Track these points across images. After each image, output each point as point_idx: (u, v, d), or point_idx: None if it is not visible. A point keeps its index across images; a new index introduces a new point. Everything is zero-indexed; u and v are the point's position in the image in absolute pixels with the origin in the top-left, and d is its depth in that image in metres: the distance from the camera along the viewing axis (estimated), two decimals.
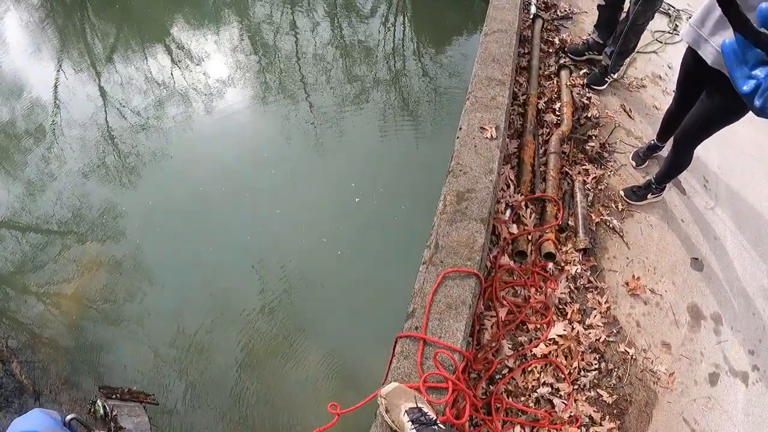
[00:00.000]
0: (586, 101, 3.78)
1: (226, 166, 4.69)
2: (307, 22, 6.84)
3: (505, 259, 2.81)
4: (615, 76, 4.03)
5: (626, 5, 3.69)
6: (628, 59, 4.08)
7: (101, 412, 2.78)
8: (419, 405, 1.78)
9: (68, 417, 1.72)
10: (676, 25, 4.74)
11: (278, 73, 5.94)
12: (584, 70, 4.09)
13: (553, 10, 4.78)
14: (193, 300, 3.83)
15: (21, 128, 5.38)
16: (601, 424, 2.36)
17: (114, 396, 2.93)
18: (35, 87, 5.89)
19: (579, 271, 2.85)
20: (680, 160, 2.97)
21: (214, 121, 5.28)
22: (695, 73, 2.70)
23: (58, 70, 6.16)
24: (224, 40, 6.49)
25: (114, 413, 2.80)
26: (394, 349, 2.10)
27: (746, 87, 0.70)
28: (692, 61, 2.69)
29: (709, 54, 2.48)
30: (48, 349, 3.63)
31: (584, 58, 4.23)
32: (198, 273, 3.96)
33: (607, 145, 3.57)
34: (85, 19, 7.22)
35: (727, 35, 2.30)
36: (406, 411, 1.75)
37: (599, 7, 3.91)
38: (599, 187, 3.30)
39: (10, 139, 5.26)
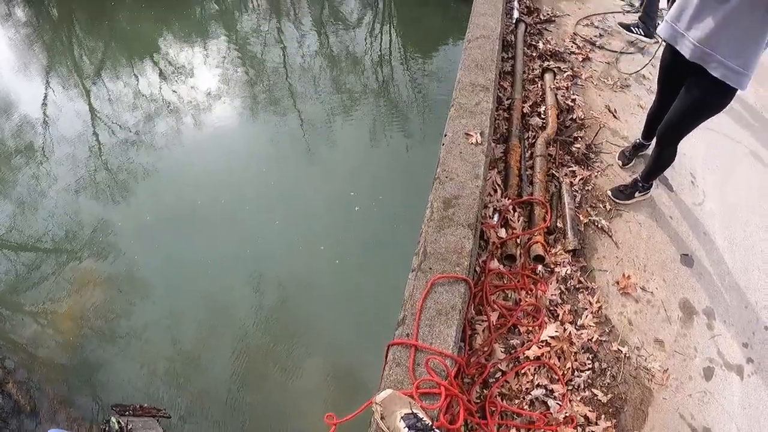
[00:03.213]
0: (570, 103, 3.82)
1: (224, 179, 4.71)
2: (295, 33, 6.89)
3: (494, 264, 2.83)
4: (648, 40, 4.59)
5: None
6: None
7: (116, 428, 2.81)
8: (414, 411, 1.80)
9: None
10: (658, 24, 4.80)
11: (269, 85, 5.98)
12: (568, 73, 4.13)
13: (536, 15, 4.84)
14: (189, 313, 3.83)
15: (10, 146, 5.37)
16: (596, 424, 2.37)
17: (127, 413, 2.99)
18: (23, 104, 5.88)
19: (569, 272, 2.87)
20: (664, 157, 3.00)
21: (209, 134, 5.31)
22: (674, 68, 2.75)
23: (46, 87, 6.17)
24: (213, 53, 6.53)
25: (129, 428, 2.84)
26: (386, 357, 2.11)
27: None
28: (671, 56, 2.75)
29: (686, 48, 2.53)
30: (44, 368, 3.63)
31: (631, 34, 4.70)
32: (195, 286, 3.97)
33: (593, 146, 3.60)
34: (73, 35, 7.24)
35: (703, 28, 2.37)
36: (401, 417, 1.76)
37: None
38: (586, 188, 3.32)
39: (0, 157, 5.25)
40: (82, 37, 7.23)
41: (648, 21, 4.56)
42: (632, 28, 4.68)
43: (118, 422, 2.84)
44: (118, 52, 6.82)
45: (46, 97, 6.01)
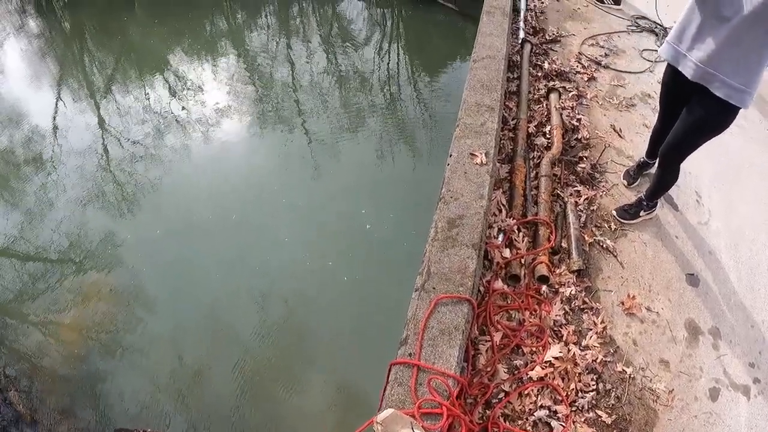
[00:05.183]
0: (575, 123, 3.84)
1: (234, 195, 4.75)
2: (303, 51, 6.97)
3: (498, 284, 2.84)
4: None
5: None
6: None
7: None
8: (416, 431, 1.80)
9: None
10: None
11: (279, 102, 6.05)
12: (573, 93, 4.16)
13: (542, 35, 4.88)
14: (195, 328, 3.85)
15: (20, 156, 5.44)
16: None
17: None
18: (34, 115, 5.97)
19: (573, 292, 2.87)
20: (667, 176, 3.00)
21: (219, 150, 5.36)
22: (676, 88, 2.77)
23: (56, 99, 6.27)
24: (222, 70, 6.61)
25: None
26: (388, 376, 2.12)
27: None
28: (672, 77, 2.77)
29: (688, 69, 2.55)
30: (46, 378, 3.65)
31: None
32: (202, 300, 3.99)
33: (598, 166, 3.62)
34: (84, 49, 7.35)
35: (705, 48, 2.39)
36: None
37: None
38: (591, 208, 3.33)
39: (9, 167, 5.31)
40: (94, 51, 7.35)
41: None
42: None
43: None
44: (129, 67, 6.92)
45: (56, 108, 6.10)
